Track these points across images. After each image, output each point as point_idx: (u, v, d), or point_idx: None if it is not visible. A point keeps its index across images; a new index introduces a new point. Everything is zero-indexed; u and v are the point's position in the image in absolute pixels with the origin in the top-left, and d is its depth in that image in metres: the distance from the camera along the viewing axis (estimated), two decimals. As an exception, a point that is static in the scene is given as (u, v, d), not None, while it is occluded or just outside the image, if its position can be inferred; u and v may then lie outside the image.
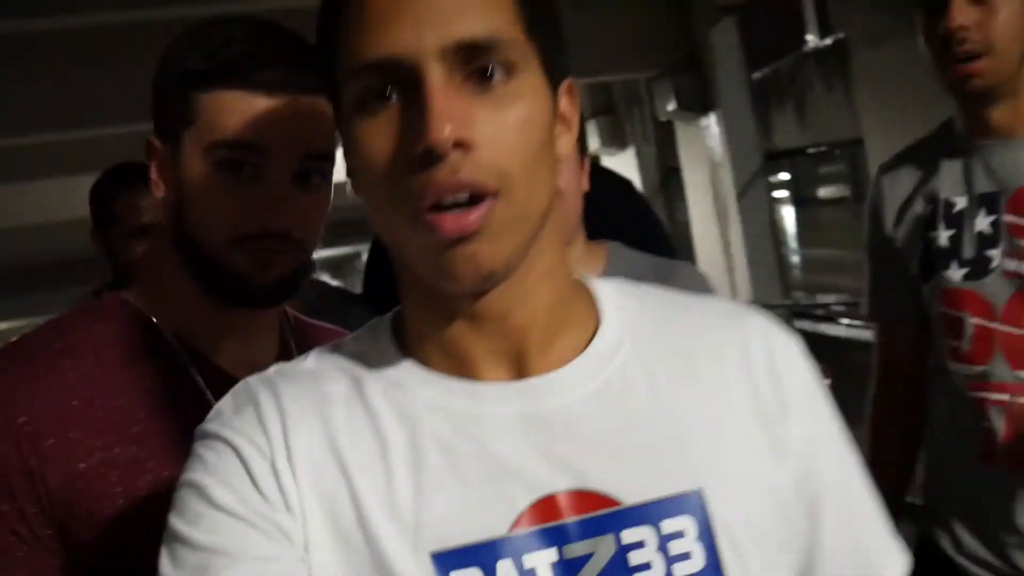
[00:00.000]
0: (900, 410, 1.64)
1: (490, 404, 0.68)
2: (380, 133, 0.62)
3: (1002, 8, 1.36)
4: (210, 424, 0.70)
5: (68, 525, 0.91)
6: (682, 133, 6.37)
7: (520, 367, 0.69)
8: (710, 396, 0.71)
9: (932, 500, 1.55)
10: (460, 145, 0.60)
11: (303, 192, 0.96)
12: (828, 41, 7.10)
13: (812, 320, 5.98)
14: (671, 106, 5.97)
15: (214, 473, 0.66)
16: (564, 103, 0.70)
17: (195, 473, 0.67)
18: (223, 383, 0.89)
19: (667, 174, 7.07)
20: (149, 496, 0.92)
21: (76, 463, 0.91)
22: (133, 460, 0.93)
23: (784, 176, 6.84)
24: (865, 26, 4.23)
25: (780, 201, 6.31)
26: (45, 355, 0.94)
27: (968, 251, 1.45)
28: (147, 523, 0.77)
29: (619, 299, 0.75)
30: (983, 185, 1.45)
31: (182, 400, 0.97)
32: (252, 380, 0.72)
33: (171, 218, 0.98)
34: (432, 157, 0.59)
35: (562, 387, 0.69)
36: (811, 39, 7.74)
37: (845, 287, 6.13)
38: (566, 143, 0.69)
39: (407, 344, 0.71)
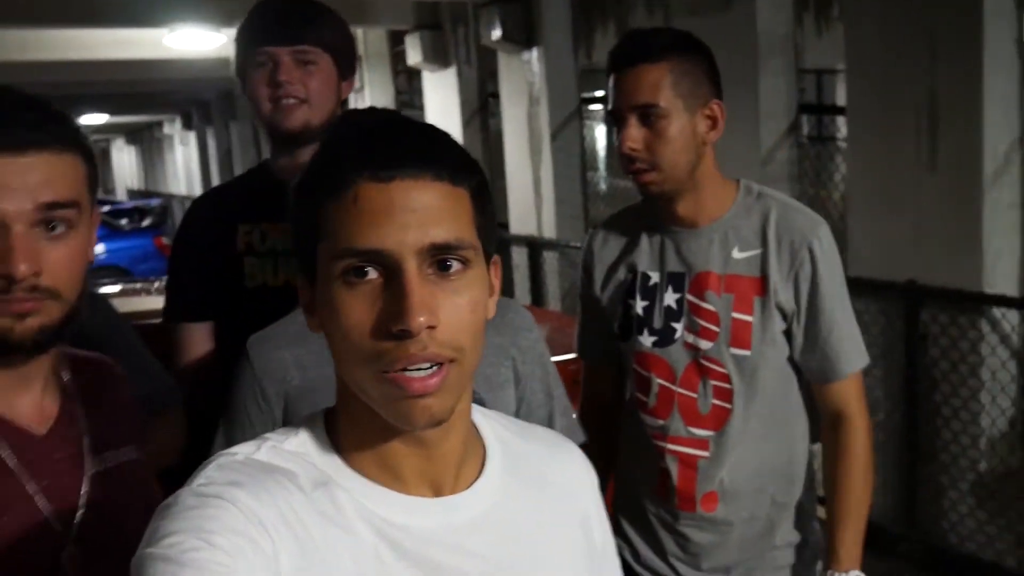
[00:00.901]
0: (599, 433, 1.87)
1: (418, 516, 0.83)
2: (360, 303, 0.77)
3: (667, 130, 1.57)
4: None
5: None
6: (504, 62, 6.41)
7: (437, 486, 0.85)
8: (556, 515, 0.93)
9: (616, 514, 1.83)
10: (428, 328, 0.76)
11: (49, 240, 0.99)
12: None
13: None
14: (496, 34, 5.99)
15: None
16: (492, 274, 0.87)
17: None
18: (13, 438, 1.03)
19: (486, 99, 7.11)
20: None
21: None
22: None
23: (599, 93, 7.04)
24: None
25: (594, 117, 6.48)
26: None
27: (658, 321, 1.69)
28: None
29: (488, 427, 0.94)
30: (673, 265, 1.68)
31: None
32: (219, 481, 0.78)
33: None
34: (407, 335, 0.75)
35: (471, 503, 0.87)
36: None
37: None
38: (492, 306, 0.86)
39: (340, 448, 0.85)
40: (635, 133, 1.57)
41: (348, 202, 0.77)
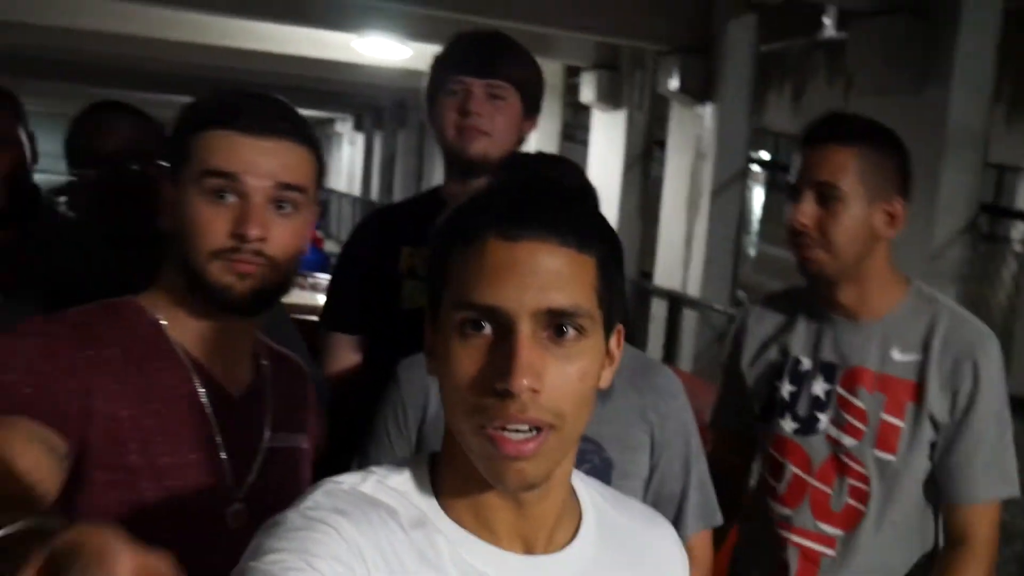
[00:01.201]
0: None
1: (509, 572, 0.84)
2: (471, 356, 0.79)
3: (841, 213, 1.53)
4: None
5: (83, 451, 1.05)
6: (676, 112, 6.37)
7: (529, 544, 0.86)
8: None
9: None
10: (531, 390, 0.76)
11: (276, 216, 1.13)
12: (843, 35, 7.14)
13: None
14: (673, 84, 5.96)
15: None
16: (613, 343, 0.86)
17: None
18: (215, 391, 1.17)
19: (651, 145, 7.08)
20: (142, 470, 1.09)
21: (119, 409, 1.08)
22: (148, 435, 1.10)
23: (764, 155, 6.90)
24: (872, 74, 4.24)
25: (755, 179, 6.38)
26: (77, 334, 1.10)
27: (803, 409, 1.64)
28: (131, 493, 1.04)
29: (587, 493, 0.94)
30: (827, 354, 1.63)
31: (181, 396, 1.15)
32: (325, 507, 0.81)
33: (172, 241, 1.15)
34: (509, 395, 0.76)
35: (563, 567, 0.87)
36: (827, 27, 7.75)
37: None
38: (608, 376, 0.86)
39: (439, 492, 0.86)
40: (808, 209, 1.55)
41: (474, 256, 0.79)
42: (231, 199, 1.11)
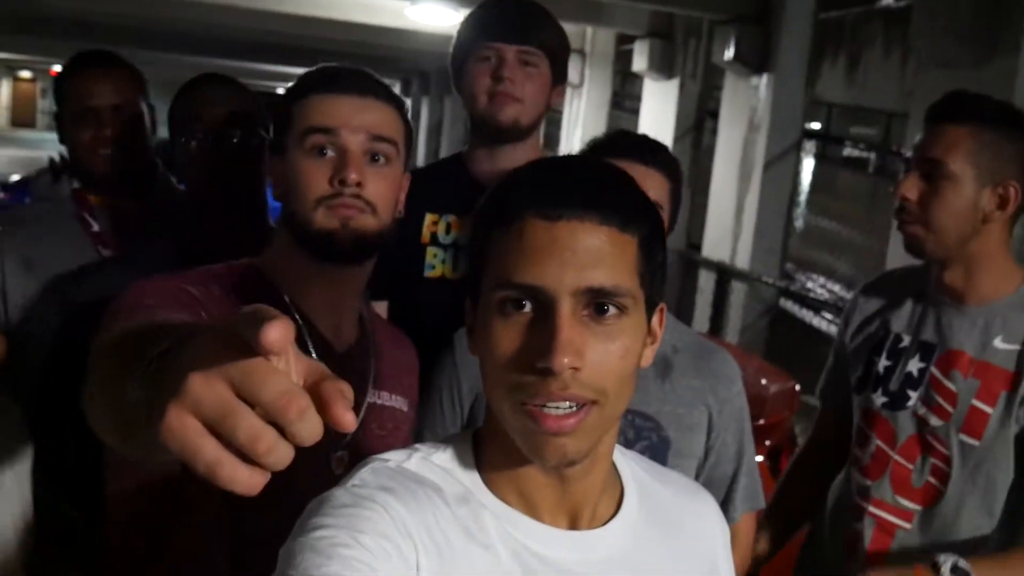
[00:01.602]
0: (811, 473, 1.87)
1: (556, 547, 0.85)
2: (511, 334, 0.79)
3: (946, 192, 1.52)
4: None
5: None
6: (730, 83, 6.30)
7: (574, 518, 0.86)
8: (687, 560, 0.94)
9: (805, 555, 1.83)
10: (572, 368, 0.77)
11: (371, 167, 1.22)
12: (901, 3, 7.00)
13: (796, 302, 6.09)
14: (728, 54, 5.90)
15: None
16: (655, 322, 0.87)
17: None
18: (321, 345, 1.25)
19: (704, 116, 7.02)
20: None
21: None
22: None
23: (815, 125, 6.81)
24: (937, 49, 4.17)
25: (808, 152, 6.30)
26: (199, 290, 1.19)
27: (895, 384, 1.65)
28: None
29: (627, 467, 0.95)
30: (927, 334, 1.63)
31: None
32: (372, 484, 0.82)
33: (283, 204, 1.26)
34: (549, 373, 0.76)
35: (607, 541, 0.88)
36: (884, -1, 7.61)
37: (840, 274, 6.23)
38: (649, 355, 0.86)
39: (483, 469, 0.87)
40: (913, 183, 1.55)
41: (514, 235, 0.79)
42: (330, 153, 1.21)
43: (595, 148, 1.45)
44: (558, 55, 1.78)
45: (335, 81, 1.24)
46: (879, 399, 1.66)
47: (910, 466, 1.62)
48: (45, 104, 33.56)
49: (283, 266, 1.27)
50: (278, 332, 0.53)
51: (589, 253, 0.78)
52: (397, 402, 1.35)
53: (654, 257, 0.84)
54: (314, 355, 1.23)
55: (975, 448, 1.56)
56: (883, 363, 1.67)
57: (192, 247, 1.54)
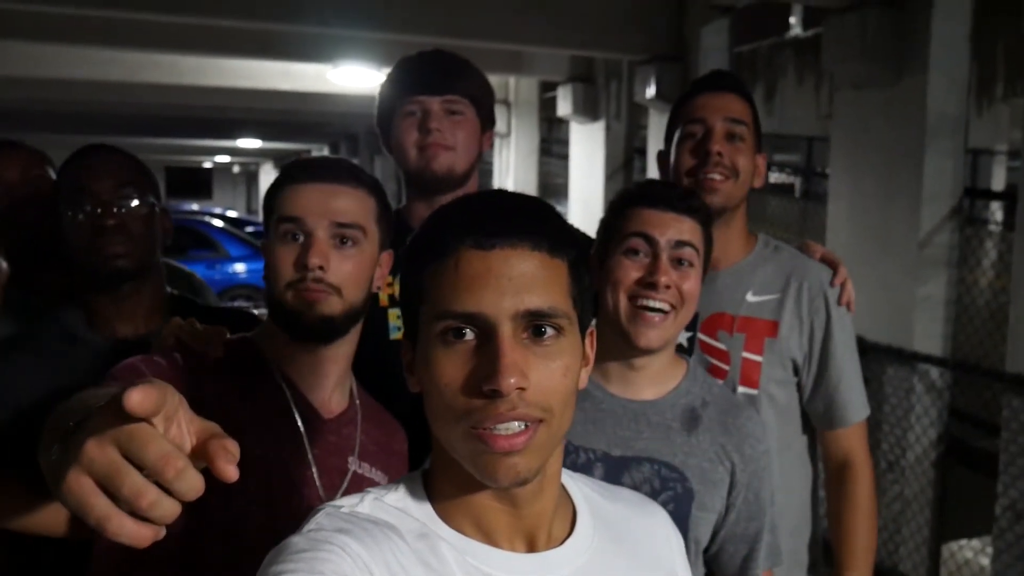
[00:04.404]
0: None
1: (516, 572, 0.86)
2: (455, 362, 0.81)
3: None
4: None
5: None
6: (655, 121, 6.41)
7: (531, 542, 0.88)
8: (646, 572, 0.97)
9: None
10: (519, 388, 0.79)
11: (339, 251, 1.30)
12: (809, 33, 7.23)
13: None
14: (650, 92, 6.01)
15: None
16: (587, 345, 0.90)
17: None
18: (311, 415, 1.32)
19: (632, 155, 7.13)
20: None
21: (225, 411, 1.21)
22: (244, 427, 1.24)
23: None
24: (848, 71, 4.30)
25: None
26: (194, 362, 1.30)
27: None
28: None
29: (575, 486, 0.97)
30: None
31: (278, 412, 1.31)
32: (328, 528, 0.83)
33: (265, 285, 1.36)
34: (497, 395, 0.78)
35: (566, 560, 0.89)
36: (793, 26, 7.85)
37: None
38: (584, 378, 0.89)
39: (436, 504, 0.88)
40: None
41: (450, 267, 0.82)
42: (300, 239, 1.29)
43: (626, 199, 1.47)
44: (483, 101, 1.80)
45: (306, 171, 1.32)
46: None
47: None
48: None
49: (272, 342, 1.35)
50: (137, 397, 0.59)
51: (524, 278, 0.81)
52: (377, 476, 1.38)
53: (582, 280, 0.87)
54: (300, 422, 1.31)
55: (755, 397, 1.68)
56: None
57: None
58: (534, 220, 0.85)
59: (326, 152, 17.27)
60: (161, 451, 0.60)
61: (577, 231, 0.88)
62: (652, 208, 1.41)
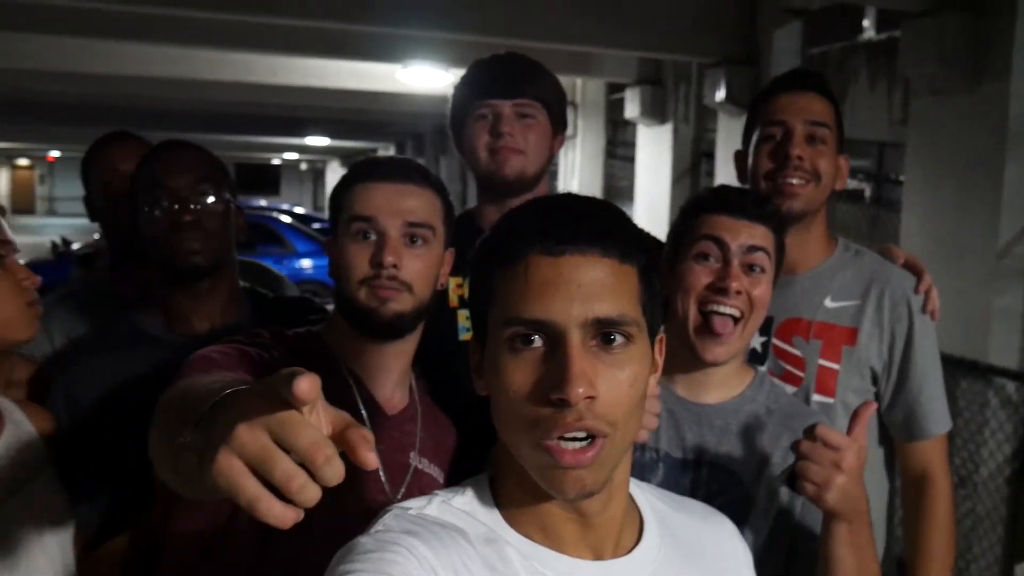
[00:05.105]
0: None
1: None
2: (523, 369, 0.81)
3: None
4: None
5: None
6: (724, 124, 6.34)
7: (597, 550, 0.88)
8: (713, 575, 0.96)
9: None
10: (587, 398, 0.78)
11: (410, 249, 1.33)
12: (882, 36, 7.07)
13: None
14: (720, 95, 5.94)
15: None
16: (656, 351, 0.90)
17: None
18: (375, 410, 1.35)
19: (700, 158, 7.06)
20: None
21: None
22: None
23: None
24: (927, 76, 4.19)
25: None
26: (268, 355, 1.29)
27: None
28: None
29: (643, 497, 0.97)
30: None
31: (344, 407, 1.26)
32: (396, 529, 0.83)
33: (335, 282, 1.38)
34: (565, 405, 0.78)
35: (632, 569, 0.89)
36: (867, 28, 7.68)
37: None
38: (653, 383, 0.89)
39: (503, 509, 0.88)
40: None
41: (519, 273, 0.82)
42: (372, 237, 1.32)
43: (698, 204, 1.45)
44: (554, 104, 1.80)
45: (376, 170, 1.36)
46: None
47: None
48: (43, 190, 33.85)
49: (338, 337, 1.38)
50: (306, 384, 0.61)
51: (593, 285, 0.81)
52: (435, 471, 1.40)
53: (652, 286, 0.87)
54: (365, 415, 1.33)
55: (831, 406, 1.63)
56: None
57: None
58: (604, 226, 0.84)
59: (392, 151, 17.45)
60: (312, 439, 0.62)
61: (647, 235, 0.87)
62: (724, 214, 1.39)
